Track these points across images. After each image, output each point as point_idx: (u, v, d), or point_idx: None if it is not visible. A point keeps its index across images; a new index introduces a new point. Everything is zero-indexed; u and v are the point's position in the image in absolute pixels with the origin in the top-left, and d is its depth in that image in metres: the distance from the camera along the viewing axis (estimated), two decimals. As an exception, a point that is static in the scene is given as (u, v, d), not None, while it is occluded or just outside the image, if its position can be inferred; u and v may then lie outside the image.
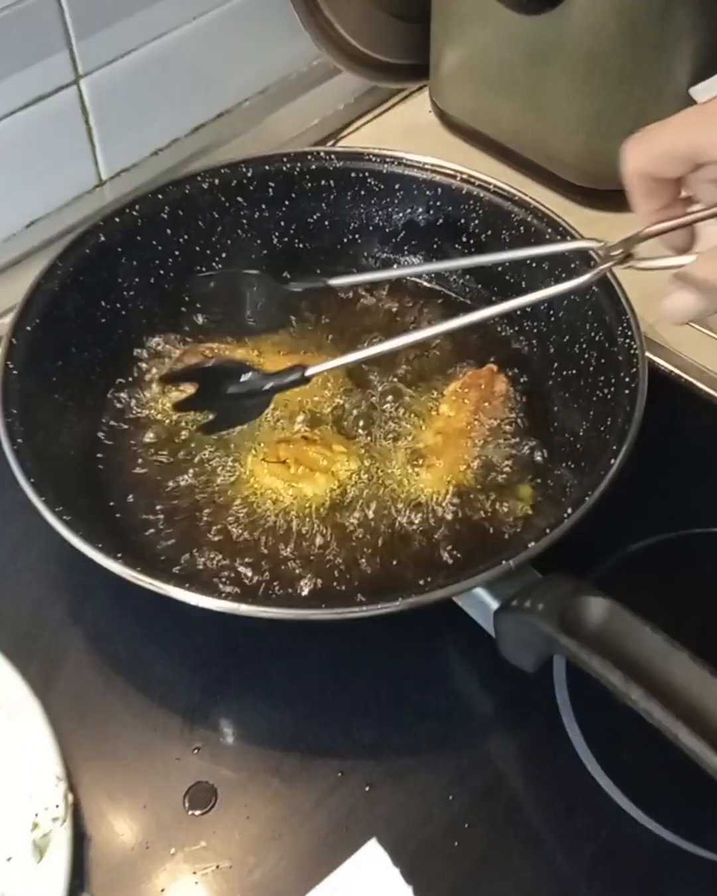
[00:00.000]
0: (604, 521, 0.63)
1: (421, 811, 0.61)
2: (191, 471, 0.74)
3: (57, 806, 0.59)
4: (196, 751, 0.64)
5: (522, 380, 0.80)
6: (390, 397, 0.80)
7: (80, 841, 0.59)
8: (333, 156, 0.85)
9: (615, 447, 0.66)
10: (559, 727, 0.64)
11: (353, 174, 0.85)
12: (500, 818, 0.61)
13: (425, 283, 0.87)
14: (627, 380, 0.70)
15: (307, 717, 0.66)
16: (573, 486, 0.69)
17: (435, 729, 0.65)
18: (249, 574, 0.68)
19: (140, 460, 0.75)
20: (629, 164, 0.55)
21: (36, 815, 0.59)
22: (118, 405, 0.78)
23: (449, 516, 0.72)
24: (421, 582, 0.67)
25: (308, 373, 0.67)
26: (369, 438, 0.77)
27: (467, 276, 0.86)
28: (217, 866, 0.60)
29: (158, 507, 0.72)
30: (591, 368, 0.76)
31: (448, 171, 0.83)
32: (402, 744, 0.65)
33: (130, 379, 0.79)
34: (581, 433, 0.74)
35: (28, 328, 0.73)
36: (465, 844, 0.60)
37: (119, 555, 0.60)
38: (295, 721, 0.66)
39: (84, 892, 0.59)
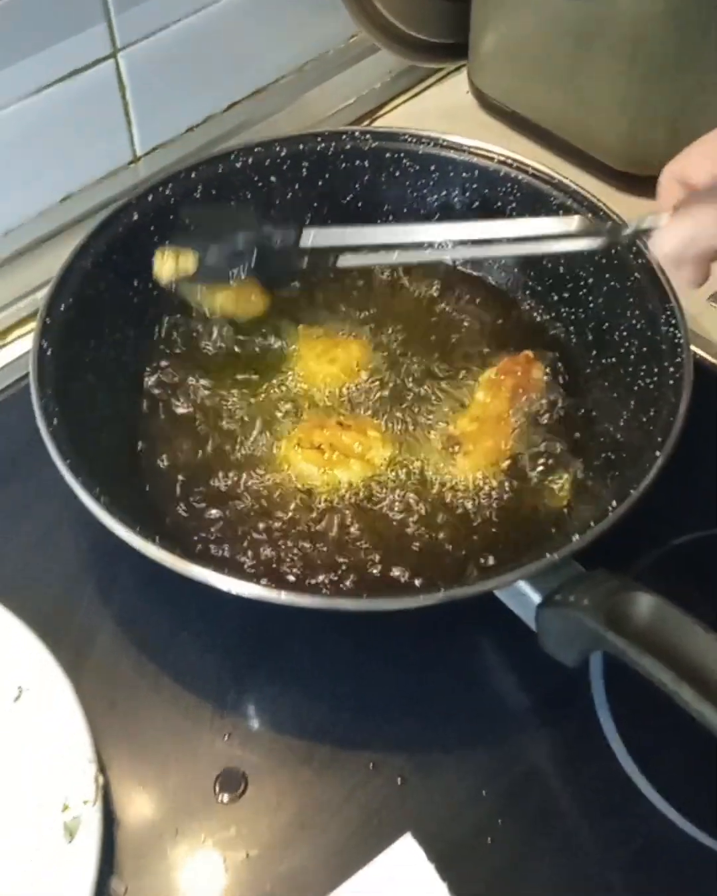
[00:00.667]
0: (646, 515, 0.62)
1: (454, 807, 0.60)
2: (225, 455, 0.73)
3: (87, 788, 0.59)
4: (226, 737, 0.64)
5: (559, 367, 0.78)
6: (425, 384, 0.78)
7: (109, 824, 0.59)
8: (368, 136, 0.83)
9: (660, 439, 0.65)
10: (596, 726, 0.63)
11: (388, 155, 0.83)
12: (534, 817, 0.61)
13: (461, 268, 0.86)
14: (671, 369, 0.69)
15: (339, 706, 0.65)
16: (614, 478, 0.68)
17: (469, 724, 0.65)
18: (284, 560, 0.67)
19: (174, 443, 0.73)
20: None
21: (66, 796, 0.59)
22: (151, 387, 0.77)
23: (486, 504, 0.71)
24: (463, 574, 0.65)
25: (305, 244, 0.66)
26: (403, 425, 0.76)
27: (503, 260, 0.84)
28: (247, 854, 0.59)
29: (191, 491, 0.71)
30: (632, 357, 0.75)
31: (486, 153, 0.82)
32: (435, 738, 0.64)
33: (163, 361, 0.78)
34: (622, 423, 0.73)
35: (61, 307, 0.72)
36: (498, 842, 0.59)
37: (155, 538, 0.59)
38: (326, 710, 0.65)
39: (113, 875, 0.58)
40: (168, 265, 0.71)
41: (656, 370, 0.71)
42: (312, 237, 0.69)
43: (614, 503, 0.62)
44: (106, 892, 0.58)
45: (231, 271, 0.69)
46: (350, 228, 0.71)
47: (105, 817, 0.58)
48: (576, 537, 0.60)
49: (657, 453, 0.64)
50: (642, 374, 0.73)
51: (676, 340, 0.70)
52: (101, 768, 0.60)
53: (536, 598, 0.60)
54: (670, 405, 0.67)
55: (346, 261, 0.72)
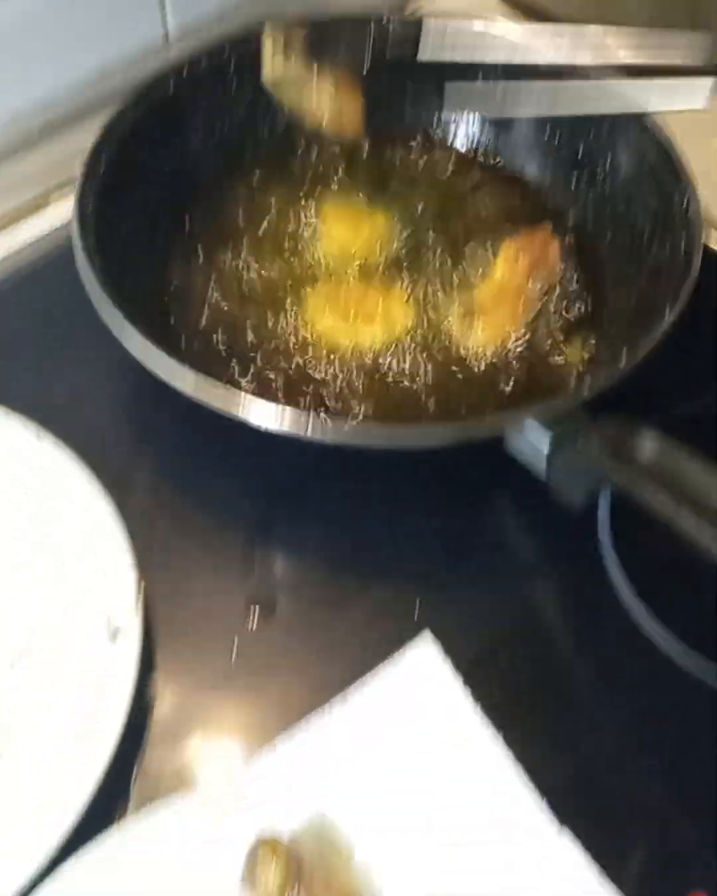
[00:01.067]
0: (653, 380, 0.65)
1: (470, 643, 0.64)
2: (251, 315, 0.77)
3: (129, 596, 0.63)
4: (256, 566, 0.68)
5: (575, 244, 0.82)
6: (445, 257, 0.82)
7: (149, 631, 0.63)
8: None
9: (670, 303, 0.69)
10: (601, 567, 0.67)
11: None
12: (542, 659, 0.65)
13: (483, 152, 0.89)
14: (683, 243, 0.73)
15: (359, 544, 0.70)
16: (625, 343, 0.71)
17: (482, 563, 0.69)
18: (310, 405, 0.71)
19: (205, 300, 0.78)
20: None
21: (110, 602, 0.63)
22: (186, 245, 0.80)
23: (502, 368, 0.75)
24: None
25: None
26: (424, 294, 0.79)
27: (526, 144, 0.87)
28: (274, 668, 0.64)
29: (220, 345, 0.75)
30: (646, 234, 0.78)
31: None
32: (452, 580, 0.68)
33: (197, 223, 0.81)
34: (634, 295, 0.77)
35: (100, 171, 0.75)
36: (508, 665, 0.64)
37: (192, 373, 0.63)
38: (348, 548, 0.70)
39: (152, 676, 0.63)
40: (275, 50, 0.73)
41: (668, 245, 0.75)
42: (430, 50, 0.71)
43: (623, 360, 0.66)
44: (145, 693, 0.62)
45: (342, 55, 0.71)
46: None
47: (145, 625, 0.63)
48: (586, 386, 0.64)
49: (667, 313, 0.68)
50: (655, 249, 0.77)
51: (688, 214, 0.73)
52: (141, 583, 0.64)
53: (546, 443, 0.64)
54: (680, 272, 0.70)
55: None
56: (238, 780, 0.57)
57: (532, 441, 0.65)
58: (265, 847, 0.53)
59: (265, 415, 0.63)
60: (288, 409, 0.63)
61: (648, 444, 0.62)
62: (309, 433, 0.62)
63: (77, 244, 0.69)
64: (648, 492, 0.59)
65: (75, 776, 0.57)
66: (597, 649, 0.65)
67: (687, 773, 0.60)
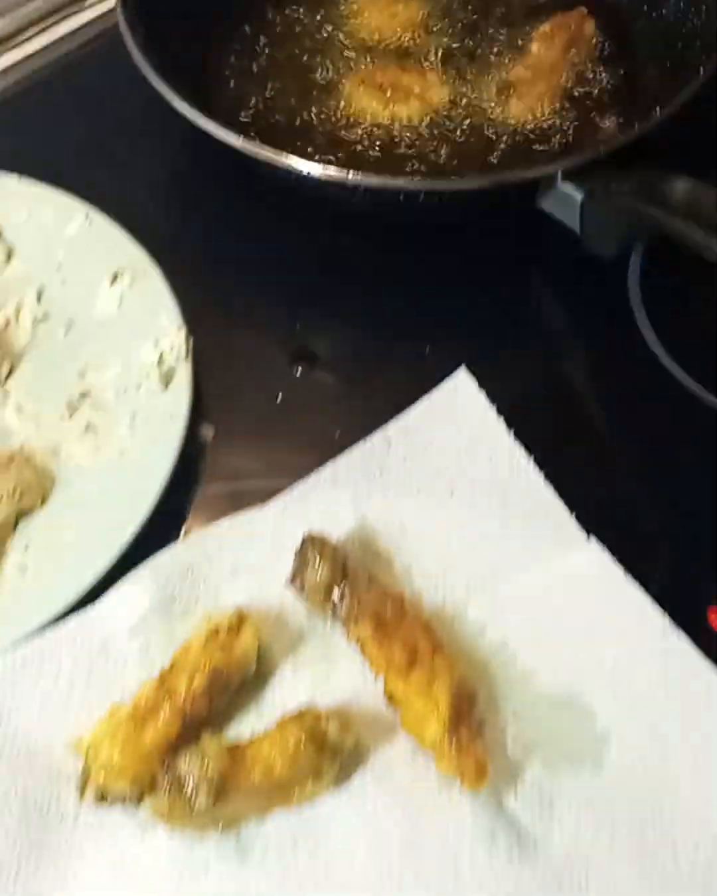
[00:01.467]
0: (684, 136, 0.66)
1: (506, 390, 0.66)
2: (293, 87, 0.79)
3: (179, 346, 0.66)
4: (298, 324, 0.71)
5: (610, 22, 0.82)
6: (482, 37, 0.82)
7: (198, 380, 0.67)
8: None
9: (704, 63, 0.69)
10: (632, 325, 0.69)
11: None
12: (574, 402, 0.68)
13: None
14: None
15: (399, 307, 0.72)
16: (659, 102, 0.72)
17: (516, 326, 0.71)
18: (352, 162, 0.73)
19: (250, 75, 0.79)
20: None
21: (161, 352, 0.67)
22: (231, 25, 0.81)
23: (538, 139, 0.76)
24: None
25: None
26: (460, 71, 0.80)
27: None
28: (319, 417, 0.67)
29: (261, 117, 0.76)
30: (680, 6, 0.78)
31: None
32: (488, 333, 0.71)
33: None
34: (668, 65, 0.77)
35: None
36: (541, 420, 0.66)
37: (238, 131, 0.65)
38: (389, 309, 0.72)
39: (203, 422, 0.67)
40: None
41: (703, 10, 0.74)
42: None
43: (656, 114, 0.66)
44: (197, 437, 0.66)
45: None
46: None
47: (195, 379, 0.66)
48: (619, 136, 0.65)
49: (701, 72, 0.68)
50: (689, 20, 0.76)
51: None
52: (191, 333, 0.67)
53: (579, 195, 0.66)
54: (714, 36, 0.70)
55: None
56: (286, 497, 0.61)
57: (566, 193, 0.67)
58: (313, 545, 0.57)
59: (313, 164, 0.64)
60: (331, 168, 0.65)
61: (680, 186, 0.64)
62: (351, 178, 0.64)
63: (121, 17, 0.70)
64: (680, 227, 0.61)
65: (132, 502, 0.61)
66: (624, 390, 0.67)
67: (705, 494, 0.63)
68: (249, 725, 0.55)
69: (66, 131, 0.79)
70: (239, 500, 0.63)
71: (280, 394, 0.68)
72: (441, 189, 0.66)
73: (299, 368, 0.69)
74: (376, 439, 0.61)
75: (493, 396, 0.64)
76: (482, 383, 0.64)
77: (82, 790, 0.53)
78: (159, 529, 0.61)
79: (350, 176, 0.65)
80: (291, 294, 0.71)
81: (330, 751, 0.52)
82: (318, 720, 0.53)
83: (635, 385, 0.67)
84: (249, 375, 0.69)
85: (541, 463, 0.61)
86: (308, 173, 0.65)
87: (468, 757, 0.53)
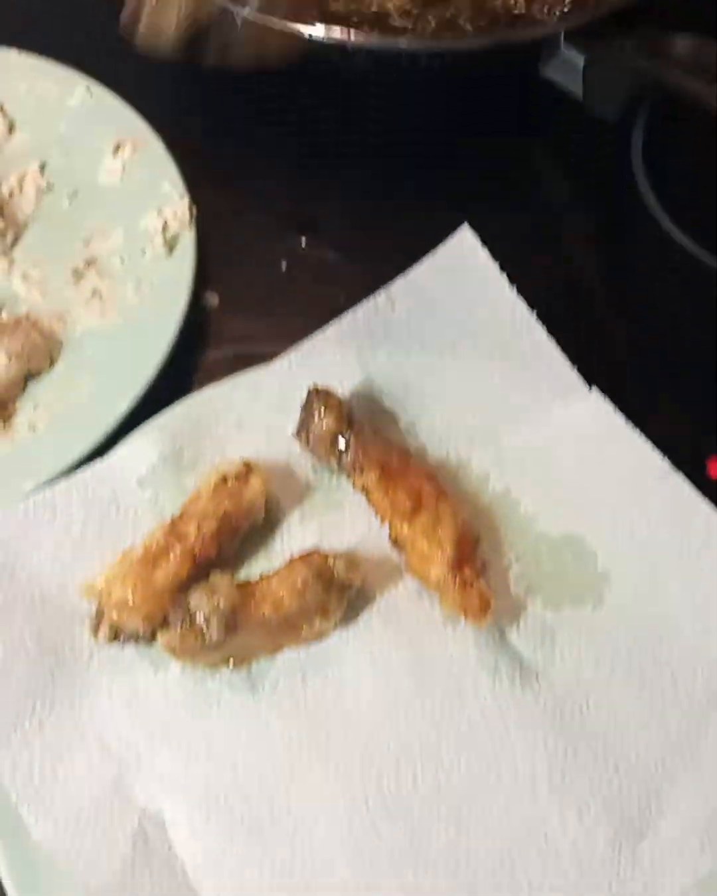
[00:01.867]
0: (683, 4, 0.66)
1: (507, 251, 0.65)
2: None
3: (183, 213, 0.67)
4: (301, 193, 0.71)
5: None
6: None
7: (203, 247, 0.67)
8: None
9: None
10: (634, 189, 0.68)
11: None
12: (575, 263, 0.69)
13: None
14: None
15: (402, 173, 0.72)
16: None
17: (519, 190, 0.72)
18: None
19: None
20: None
21: (165, 219, 0.67)
22: None
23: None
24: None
25: None
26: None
27: None
28: (323, 282, 0.68)
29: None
30: None
31: None
32: (490, 199, 0.70)
33: None
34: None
35: None
36: (544, 279, 0.66)
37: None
38: (391, 176, 0.72)
39: (207, 289, 0.67)
40: None
41: None
42: None
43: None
44: (202, 304, 0.66)
45: None
46: None
47: (198, 241, 0.66)
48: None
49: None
50: None
51: None
52: (195, 202, 0.67)
53: (581, 58, 0.65)
54: None
55: None
56: (292, 355, 0.61)
57: (568, 57, 0.66)
58: (318, 397, 0.58)
59: (315, 28, 0.64)
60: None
61: (682, 43, 0.63)
62: (352, 40, 0.64)
63: None
64: (682, 80, 0.61)
65: (139, 364, 0.62)
66: (625, 253, 0.68)
67: (706, 350, 0.63)
68: (258, 569, 0.56)
69: (64, 4, 0.78)
70: (244, 364, 0.63)
71: (284, 262, 0.68)
72: (443, 49, 0.65)
73: (303, 237, 0.69)
74: (381, 298, 0.62)
75: (495, 259, 0.63)
76: (485, 246, 0.64)
77: (96, 629, 0.55)
78: (166, 392, 0.62)
79: (352, 37, 0.64)
80: (294, 163, 0.71)
81: (337, 588, 0.54)
82: (325, 559, 0.54)
83: (636, 247, 0.67)
84: (254, 244, 0.69)
85: (543, 320, 0.61)
86: (311, 36, 0.64)
87: (472, 594, 0.54)
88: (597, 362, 0.60)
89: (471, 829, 0.49)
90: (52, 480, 0.59)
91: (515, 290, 0.62)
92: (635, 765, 0.50)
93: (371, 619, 0.55)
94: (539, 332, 0.60)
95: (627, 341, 0.64)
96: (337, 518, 0.58)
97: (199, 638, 0.52)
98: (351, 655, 0.54)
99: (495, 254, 0.64)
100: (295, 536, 0.58)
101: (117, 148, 0.70)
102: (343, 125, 0.73)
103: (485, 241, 0.64)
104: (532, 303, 0.62)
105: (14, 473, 0.60)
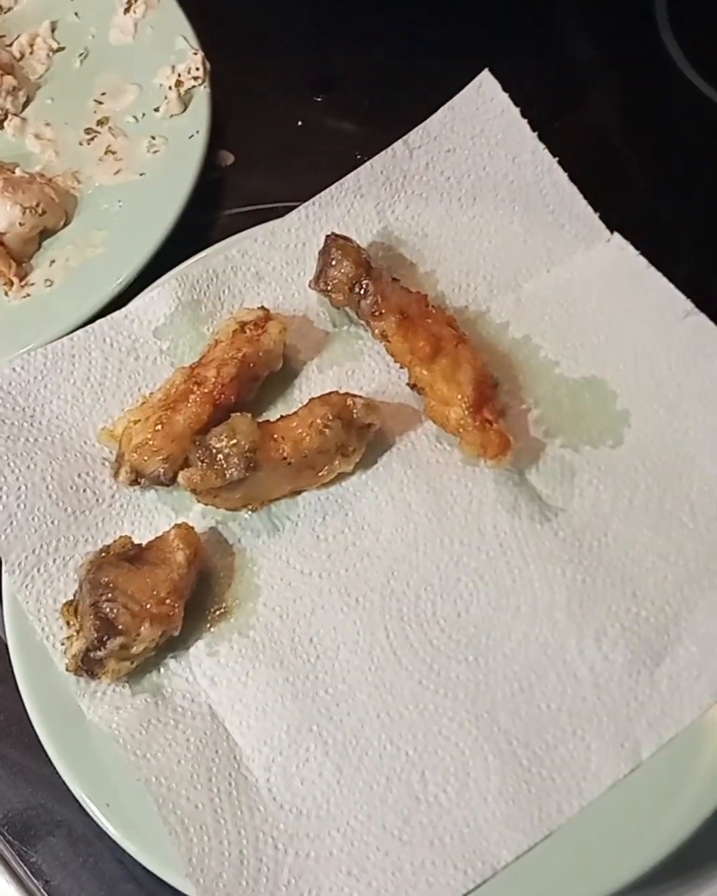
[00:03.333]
0: None
1: (529, 102, 0.63)
2: None
3: (196, 68, 0.65)
4: (317, 48, 0.70)
5: None
6: None
7: (217, 107, 0.66)
8: None
9: None
10: (657, 37, 0.67)
11: None
12: (600, 118, 0.67)
13: None
14: None
15: (419, 24, 0.70)
16: None
17: (541, 47, 0.70)
18: None
19: None
20: None
21: (178, 75, 0.65)
22: None
23: None
24: None
25: None
26: None
27: None
28: (341, 137, 0.66)
29: None
30: None
31: None
32: (510, 49, 0.69)
33: None
34: None
35: None
36: (568, 136, 0.64)
37: None
38: (406, 25, 0.71)
39: (224, 149, 0.66)
40: None
41: None
42: None
43: None
44: (217, 162, 0.65)
45: None
46: None
47: (213, 99, 0.65)
48: None
49: None
50: None
51: None
52: (208, 60, 0.65)
53: None
54: None
55: None
56: (308, 206, 0.60)
57: None
58: (336, 244, 0.57)
59: None
60: None
61: None
62: None
63: None
64: None
65: (154, 219, 0.62)
66: (647, 101, 0.66)
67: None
68: (277, 415, 0.56)
69: None
70: (260, 221, 0.62)
71: (299, 120, 0.67)
72: None
73: (319, 94, 0.68)
74: (398, 147, 0.61)
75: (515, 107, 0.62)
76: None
77: (117, 472, 0.55)
78: (183, 248, 0.61)
79: None
80: (309, 17, 0.70)
81: (357, 428, 0.54)
82: (344, 399, 0.54)
83: (659, 97, 0.66)
84: (268, 102, 0.68)
85: (565, 169, 0.60)
86: None
87: (492, 434, 0.54)
88: (619, 208, 0.59)
89: (490, 656, 0.49)
90: (70, 333, 0.59)
91: (537, 135, 0.60)
92: (652, 593, 0.50)
93: (391, 462, 0.55)
94: (561, 177, 0.59)
95: (649, 187, 0.62)
96: (355, 366, 0.58)
97: (220, 476, 0.52)
98: (370, 496, 0.54)
99: (517, 105, 0.62)
100: (314, 385, 0.58)
101: (129, 5, 0.69)
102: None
103: (506, 92, 0.63)
104: (555, 152, 0.61)
105: (32, 326, 0.60)
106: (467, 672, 0.50)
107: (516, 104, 0.62)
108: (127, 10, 0.69)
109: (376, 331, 0.57)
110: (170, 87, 0.66)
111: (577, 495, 0.54)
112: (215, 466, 0.53)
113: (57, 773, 0.48)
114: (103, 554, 0.51)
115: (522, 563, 0.52)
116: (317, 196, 0.61)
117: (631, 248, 0.58)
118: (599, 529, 0.53)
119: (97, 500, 0.55)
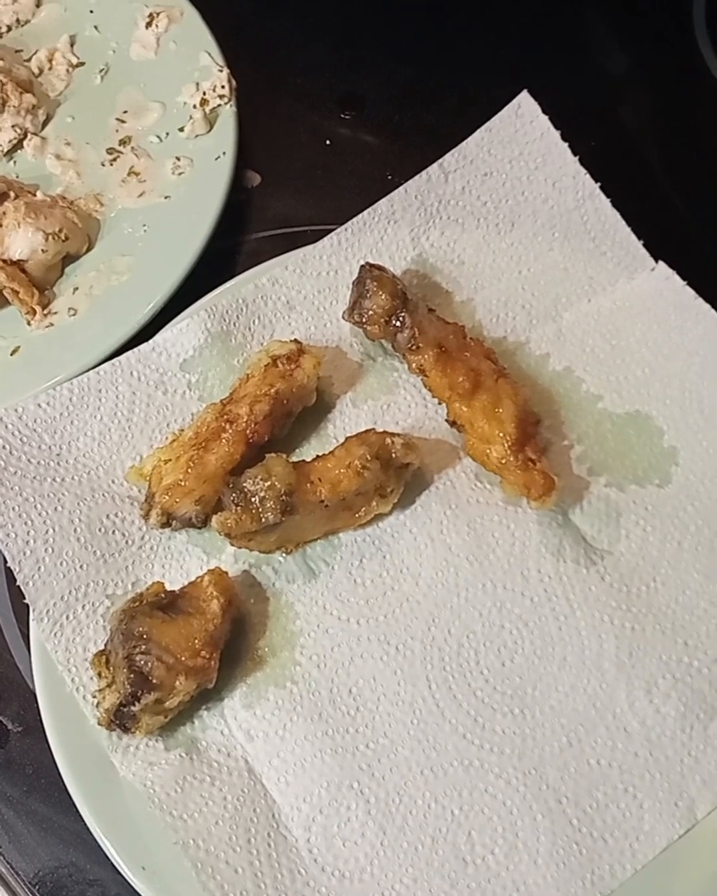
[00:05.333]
0: None
1: (566, 124, 0.61)
2: None
3: (222, 86, 0.63)
4: (345, 65, 0.68)
5: None
6: None
7: (243, 126, 0.64)
8: None
9: None
10: (695, 52, 0.65)
11: None
12: (636, 130, 0.65)
13: None
14: None
15: (450, 40, 0.68)
16: None
17: (575, 64, 0.68)
18: None
19: None
20: None
21: (203, 92, 0.63)
22: None
23: None
24: None
25: None
26: None
27: None
28: (370, 157, 0.64)
29: None
30: None
31: None
32: (544, 67, 0.67)
33: None
34: None
35: None
36: (604, 145, 0.63)
37: None
38: (437, 42, 0.68)
39: (250, 169, 0.64)
40: None
41: None
42: None
43: None
44: (244, 184, 0.63)
45: None
46: None
47: (239, 118, 0.63)
48: None
49: None
50: None
51: None
52: (234, 76, 0.63)
53: None
54: None
55: None
56: (341, 233, 0.58)
57: None
58: (371, 273, 0.55)
59: None
60: None
61: None
62: None
63: None
64: None
65: (180, 245, 0.60)
66: (690, 119, 0.64)
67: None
68: (311, 454, 0.54)
69: None
70: (289, 246, 0.61)
71: (327, 138, 0.65)
72: None
73: (348, 112, 0.66)
74: (434, 171, 0.59)
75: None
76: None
77: (147, 514, 0.53)
78: (210, 275, 0.60)
79: None
80: (337, 35, 0.68)
81: (395, 468, 0.52)
82: (382, 438, 0.52)
83: (701, 115, 0.63)
84: (296, 121, 0.66)
85: (606, 193, 0.58)
86: None
87: (535, 474, 0.52)
88: (663, 235, 0.57)
89: (536, 708, 0.48)
90: (95, 366, 0.57)
91: (577, 159, 0.58)
92: (705, 642, 0.48)
93: (429, 502, 0.53)
94: (603, 203, 0.57)
95: (694, 213, 0.60)
96: (391, 400, 0.56)
97: (255, 520, 0.50)
98: (409, 538, 0.52)
99: (554, 125, 0.60)
100: (349, 420, 0.56)
101: (151, 20, 0.67)
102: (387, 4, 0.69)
103: (543, 111, 0.60)
104: (595, 176, 0.59)
105: (56, 358, 0.58)
106: (513, 725, 0.48)
107: (553, 123, 0.60)
108: (149, 24, 0.67)
109: (414, 365, 0.56)
110: (195, 106, 0.64)
111: (624, 537, 0.52)
112: (251, 510, 0.51)
113: (88, 829, 0.47)
114: (136, 603, 0.49)
115: (568, 610, 0.50)
116: (349, 222, 0.59)
117: (677, 278, 0.56)
118: (647, 574, 0.51)
119: (127, 543, 0.54)
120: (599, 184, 0.58)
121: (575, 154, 0.60)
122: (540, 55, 0.66)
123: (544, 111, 0.61)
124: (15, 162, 0.64)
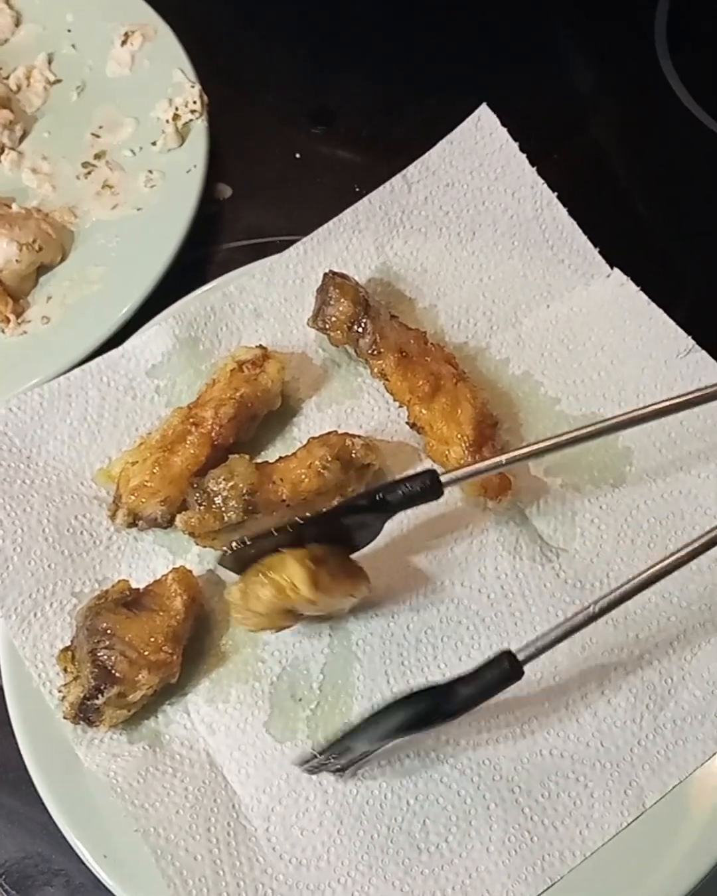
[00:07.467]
0: None
1: (526, 135, 0.63)
2: None
3: (194, 102, 0.65)
4: (315, 81, 0.69)
5: None
6: None
7: (215, 140, 0.66)
8: None
9: None
10: (660, 75, 0.67)
11: None
12: (600, 146, 0.67)
13: None
14: None
15: (418, 58, 0.70)
16: None
17: (539, 78, 0.70)
18: None
19: None
20: None
21: (176, 108, 0.65)
22: None
23: None
24: None
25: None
26: None
27: None
28: (338, 170, 0.66)
29: None
30: None
31: None
32: (508, 83, 0.68)
33: None
34: None
35: None
36: (567, 164, 0.65)
37: None
38: (405, 59, 0.70)
39: (221, 182, 0.66)
40: None
41: None
42: None
43: None
44: (215, 196, 0.65)
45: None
46: None
47: (211, 131, 0.65)
48: None
49: None
50: None
51: None
52: (205, 92, 0.65)
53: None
54: None
55: None
56: (307, 242, 0.60)
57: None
58: (334, 281, 0.57)
59: None
60: None
61: None
62: None
63: None
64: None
65: (152, 255, 0.62)
66: (646, 131, 0.66)
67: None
68: (277, 456, 0.56)
69: None
70: (258, 256, 0.62)
71: (297, 152, 0.67)
72: None
73: (317, 127, 0.68)
74: (397, 182, 0.61)
75: (513, 140, 0.62)
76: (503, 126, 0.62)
77: (114, 514, 0.54)
78: (180, 284, 0.61)
79: None
80: (307, 50, 0.70)
81: (356, 469, 0.53)
82: (343, 439, 0.53)
83: (659, 129, 0.65)
84: (266, 135, 0.68)
85: (564, 203, 0.60)
86: None
87: (492, 474, 0.53)
88: (620, 243, 0.59)
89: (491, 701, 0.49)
90: (67, 372, 0.58)
91: (535, 170, 0.60)
92: (655, 634, 0.49)
93: (390, 502, 0.54)
94: (560, 212, 0.59)
95: (650, 222, 0.62)
96: (354, 404, 0.58)
97: (218, 519, 0.52)
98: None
99: (515, 139, 0.62)
100: (313, 423, 0.57)
101: (126, 38, 0.69)
102: (359, 9, 0.71)
103: (504, 125, 0.62)
104: (553, 187, 0.61)
105: (29, 365, 0.59)
106: (468, 718, 0.49)
107: (515, 135, 0.62)
108: (124, 43, 0.69)
109: (375, 369, 0.57)
110: (167, 121, 0.65)
111: (579, 535, 0.53)
112: (213, 509, 0.52)
113: (55, 821, 0.48)
114: (101, 599, 0.51)
115: (524, 606, 0.51)
116: (315, 232, 0.61)
117: (631, 284, 0.57)
118: (601, 570, 0.52)
119: (94, 543, 0.55)
120: (556, 193, 0.60)
121: (538, 166, 0.61)
122: (505, 72, 0.67)
123: (508, 125, 0.62)
124: (-8, 176, 0.65)
